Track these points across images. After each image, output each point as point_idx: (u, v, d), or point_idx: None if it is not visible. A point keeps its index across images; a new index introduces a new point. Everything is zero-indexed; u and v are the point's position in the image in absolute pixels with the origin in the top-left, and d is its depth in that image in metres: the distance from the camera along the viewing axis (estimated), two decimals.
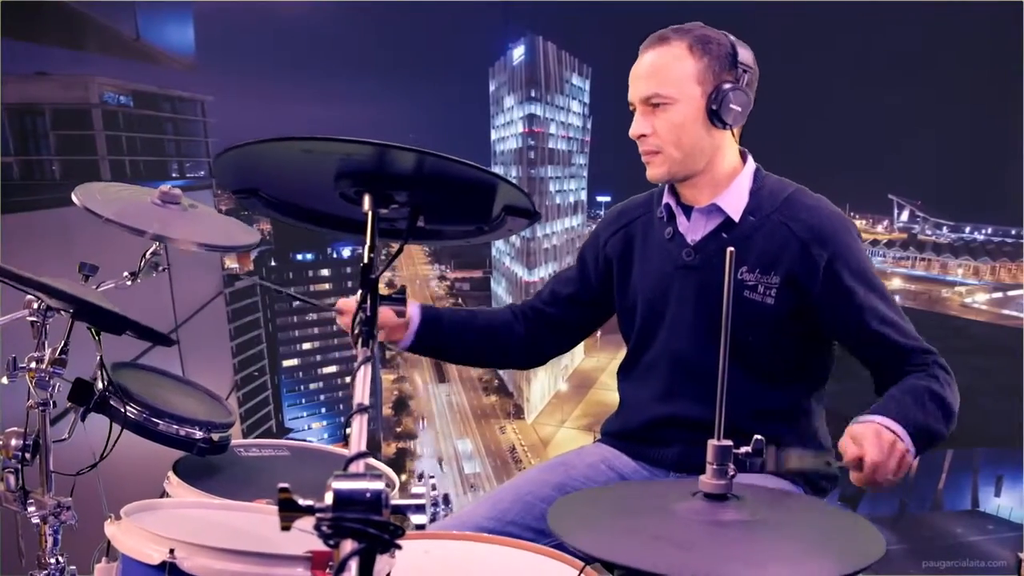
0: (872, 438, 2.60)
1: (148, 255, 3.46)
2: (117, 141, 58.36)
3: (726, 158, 3.16)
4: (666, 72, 3.07)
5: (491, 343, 3.54)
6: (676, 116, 3.06)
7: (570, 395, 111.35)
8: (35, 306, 2.96)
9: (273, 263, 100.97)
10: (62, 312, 2.95)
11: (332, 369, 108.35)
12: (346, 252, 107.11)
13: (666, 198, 3.26)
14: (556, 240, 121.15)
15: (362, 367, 1.75)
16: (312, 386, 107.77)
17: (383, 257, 2.00)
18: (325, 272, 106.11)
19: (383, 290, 1.98)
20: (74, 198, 3.10)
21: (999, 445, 52.87)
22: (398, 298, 2.12)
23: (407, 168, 1.97)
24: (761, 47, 3.20)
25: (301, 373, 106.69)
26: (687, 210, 3.22)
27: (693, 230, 3.20)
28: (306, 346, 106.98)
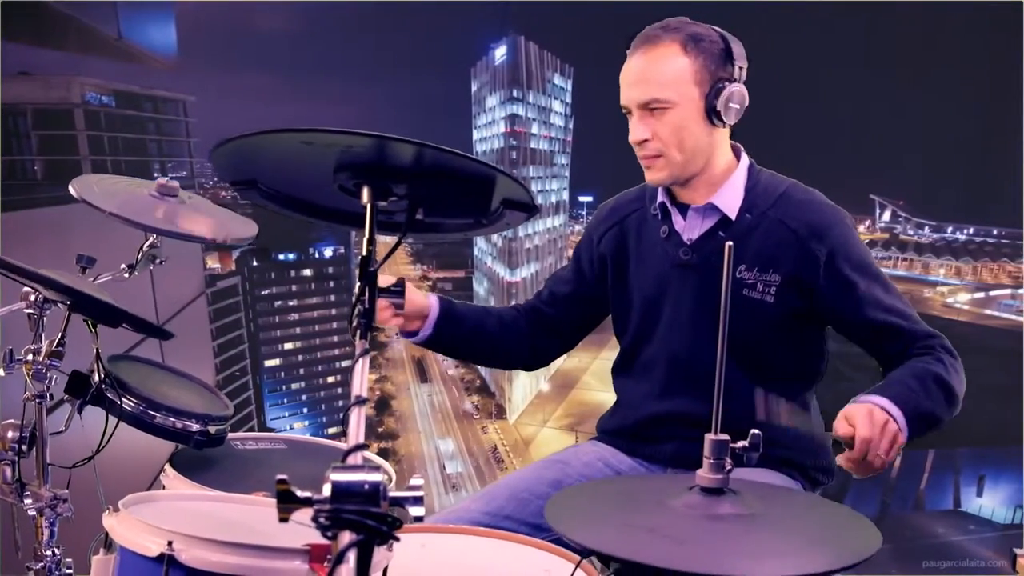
0: (864, 417, 2.64)
1: (145, 247, 3.46)
2: (99, 141, 58.16)
3: (722, 156, 3.17)
4: (661, 75, 3.06)
5: (502, 340, 3.52)
6: (677, 119, 3.06)
7: (552, 395, 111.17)
8: (32, 298, 2.97)
9: (255, 263, 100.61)
10: (59, 304, 2.95)
11: (314, 369, 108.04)
12: (328, 252, 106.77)
13: (660, 197, 3.26)
14: (538, 240, 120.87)
15: (360, 360, 1.75)
16: (294, 386, 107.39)
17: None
18: (307, 272, 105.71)
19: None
20: (72, 190, 3.10)
21: (981, 445, 52.94)
22: (396, 291, 2.13)
23: (406, 161, 1.98)
24: (746, 42, 3.20)
25: (283, 373, 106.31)
26: (682, 208, 3.22)
27: (689, 228, 3.21)
28: (288, 346, 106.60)
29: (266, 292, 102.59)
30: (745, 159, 3.24)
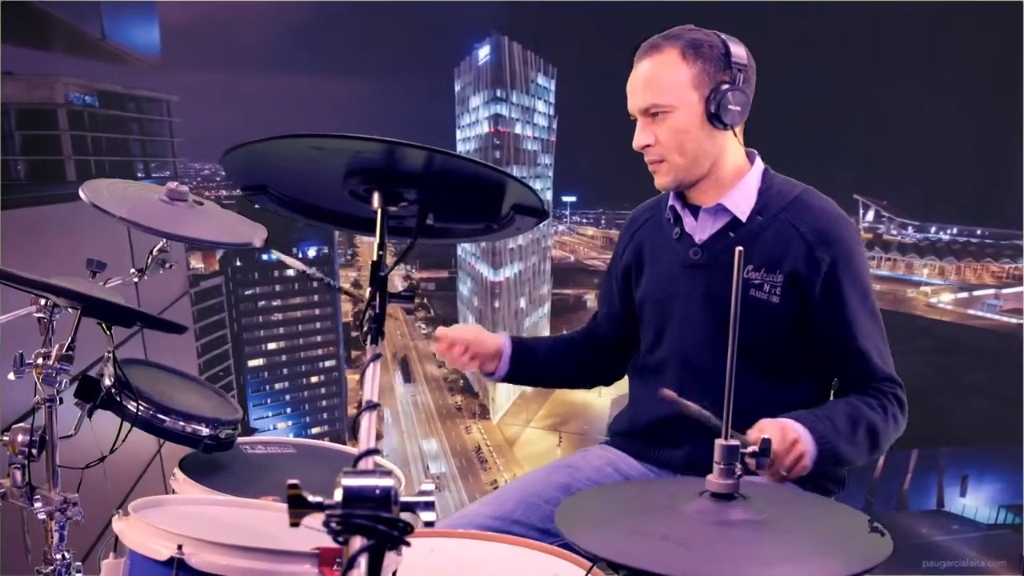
0: (776, 432, 2.67)
1: (155, 252, 3.47)
2: (83, 141, 58.17)
3: (730, 159, 3.17)
4: (661, 81, 3.08)
5: (574, 366, 3.66)
6: (676, 123, 3.07)
7: (535, 395, 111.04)
8: (42, 302, 2.97)
9: (239, 263, 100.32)
10: (69, 308, 2.96)
11: (298, 369, 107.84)
12: (312, 252, 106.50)
13: (671, 200, 3.26)
14: (521, 240, 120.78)
15: (371, 365, 1.75)
16: (277, 386, 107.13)
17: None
18: (291, 272, 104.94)
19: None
20: (82, 196, 3.10)
21: (964, 444, 53.17)
22: (407, 296, 2.14)
23: (417, 166, 1.97)
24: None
25: (266, 373, 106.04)
26: (694, 210, 3.23)
27: (700, 230, 3.21)
28: (271, 346, 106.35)
29: (250, 292, 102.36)
30: (759, 163, 3.24)
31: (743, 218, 3.14)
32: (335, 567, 2.14)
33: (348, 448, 3.56)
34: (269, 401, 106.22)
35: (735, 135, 3.17)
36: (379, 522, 1.41)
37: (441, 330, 3.29)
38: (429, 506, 1.50)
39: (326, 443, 3.70)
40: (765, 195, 3.16)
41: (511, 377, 3.49)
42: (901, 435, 3.08)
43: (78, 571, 3.02)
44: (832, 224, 3.10)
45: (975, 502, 50.22)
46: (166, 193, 3.31)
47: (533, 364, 3.52)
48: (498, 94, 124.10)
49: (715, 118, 3.05)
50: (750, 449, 2.14)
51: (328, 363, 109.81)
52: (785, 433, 2.68)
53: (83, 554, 3.13)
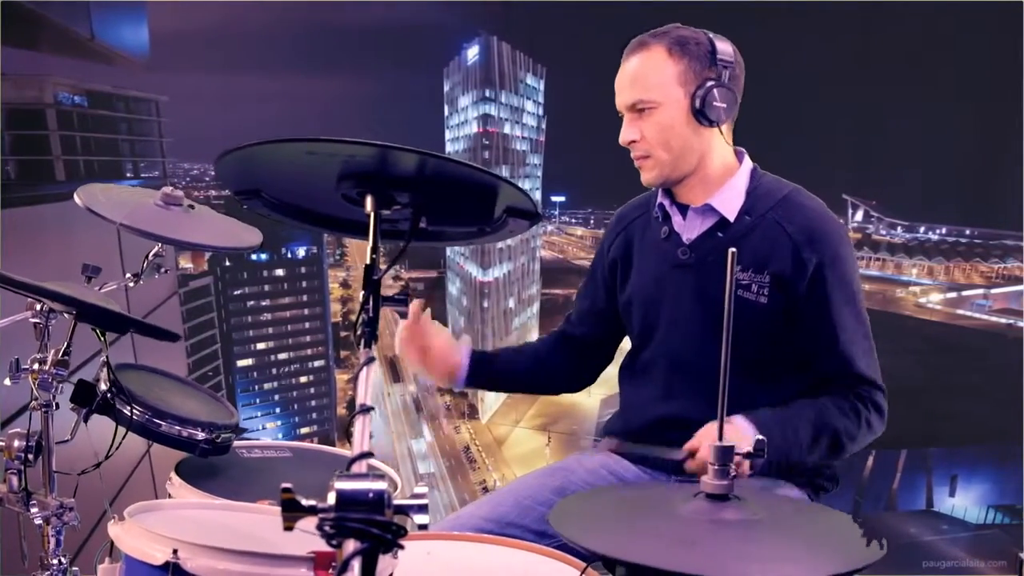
0: (705, 429, 2.76)
1: (151, 256, 3.48)
2: (71, 141, 57.74)
3: (717, 157, 3.20)
4: (647, 77, 3.13)
5: (534, 376, 3.66)
6: (662, 119, 3.11)
7: (524, 395, 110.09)
8: (37, 308, 2.97)
9: (228, 263, 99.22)
10: (64, 314, 2.96)
11: (287, 369, 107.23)
12: (301, 252, 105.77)
13: (660, 198, 3.29)
14: (511, 240, 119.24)
15: (364, 368, 1.76)
16: (267, 386, 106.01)
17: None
18: (280, 272, 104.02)
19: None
20: (77, 200, 3.11)
21: (953, 445, 53.10)
22: (400, 299, 2.14)
23: (409, 169, 1.99)
24: (734, 39, 3.23)
25: (256, 373, 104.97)
26: (682, 209, 3.25)
27: (688, 229, 3.23)
28: (260, 346, 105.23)
29: (239, 292, 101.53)
30: (748, 162, 3.27)
31: (731, 218, 3.17)
32: (330, 571, 2.15)
33: (345, 451, 3.56)
34: (258, 401, 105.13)
35: (722, 133, 3.21)
36: (372, 525, 1.43)
37: (416, 305, 3.20)
38: (423, 509, 1.52)
39: (323, 446, 3.72)
40: (753, 195, 3.20)
41: (468, 386, 3.54)
42: (880, 436, 3.15)
43: None
44: (819, 224, 3.14)
45: (964, 502, 50.14)
46: (161, 198, 3.32)
47: (489, 377, 3.55)
48: (487, 94, 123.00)
49: (700, 114, 3.10)
50: (744, 450, 2.15)
51: (317, 363, 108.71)
52: (710, 432, 2.65)
53: (74, 552, 3.13)
